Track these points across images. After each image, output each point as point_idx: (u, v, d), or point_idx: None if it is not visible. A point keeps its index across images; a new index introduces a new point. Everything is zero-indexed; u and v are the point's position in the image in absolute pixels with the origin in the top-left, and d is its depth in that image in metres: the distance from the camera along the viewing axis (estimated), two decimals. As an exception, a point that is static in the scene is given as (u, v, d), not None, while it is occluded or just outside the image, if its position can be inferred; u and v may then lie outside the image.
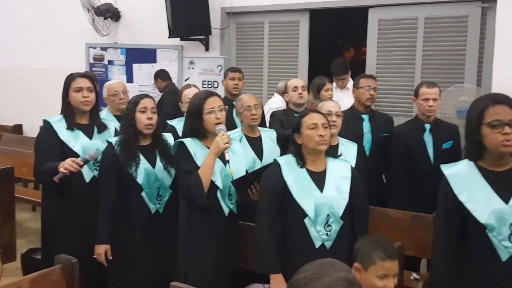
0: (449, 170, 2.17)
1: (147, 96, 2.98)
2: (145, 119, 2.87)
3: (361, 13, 5.02)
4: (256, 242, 2.57)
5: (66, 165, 2.75)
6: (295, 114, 3.77)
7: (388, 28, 4.89)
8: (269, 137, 3.33)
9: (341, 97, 4.65)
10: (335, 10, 5.27)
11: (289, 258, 2.46)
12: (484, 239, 2.05)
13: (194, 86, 3.64)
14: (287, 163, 2.52)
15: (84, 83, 3.02)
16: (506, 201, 2.04)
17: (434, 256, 2.27)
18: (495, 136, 2.01)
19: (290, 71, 5.43)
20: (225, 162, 2.63)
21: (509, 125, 1.99)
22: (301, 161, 2.51)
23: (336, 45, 8.51)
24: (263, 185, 2.55)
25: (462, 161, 2.19)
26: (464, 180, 2.12)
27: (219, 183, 2.69)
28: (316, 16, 5.41)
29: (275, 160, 2.59)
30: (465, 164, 2.15)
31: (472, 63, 4.49)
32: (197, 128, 2.71)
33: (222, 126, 2.66)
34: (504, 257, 2.03)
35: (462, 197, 2.09)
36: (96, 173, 3.01)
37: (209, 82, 5.91)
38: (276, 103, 4.74)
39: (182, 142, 2.70)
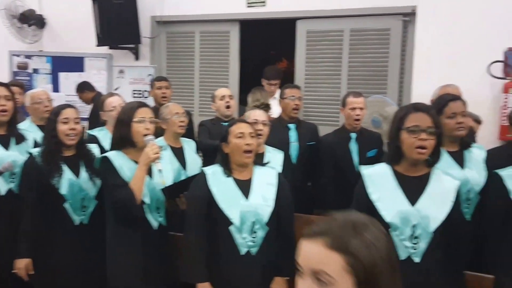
0: (366, 170, 2.29)
1: (69, 106, 2.89)
2: (67, 129, 2.78)
3: (292, 24, 5.13)
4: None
5: None
6: (222, 123, 3.79)
7: (315, 39, 5.01)
8: (189, 147, 3.34)
9: (271, 106, 4.70)
10: (267, 21, 5.34)
11: (216, 266, 2.47)
12: None
13: (117, 94, 3.58)
14: (214, 173, 2.53)
15: (1, 91, 2.89)
16: (413, 204, 2.16)
17: None
18: (412, 141, 2.11)
19: (221, 80, 5.43)
20: (150, 174, 2.58)
21: (426, 132, 2.10)
22: (228, 170, 2.54)
23: (269, 55, 8.63)
24: (190, 195, 2.56)
25: (380, 163, 2.30)
26: (378, 180, 2.23)
27: (146, 198, 2.63)
28: (248, 27, 5.46)
29: (202, 169, 2.59)
30: (382, 167, 2.26)
31: (394, 74, 4.69)
32: (125, 136, 2.64)
33: (151, 137, 2.61)
34: (403, 255, 2.13)
35: (373, 196, 2.20)
36: (12, 185, 2.89)
37: (140, 92, 5.81)
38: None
39: (106, 156, 2.62)
